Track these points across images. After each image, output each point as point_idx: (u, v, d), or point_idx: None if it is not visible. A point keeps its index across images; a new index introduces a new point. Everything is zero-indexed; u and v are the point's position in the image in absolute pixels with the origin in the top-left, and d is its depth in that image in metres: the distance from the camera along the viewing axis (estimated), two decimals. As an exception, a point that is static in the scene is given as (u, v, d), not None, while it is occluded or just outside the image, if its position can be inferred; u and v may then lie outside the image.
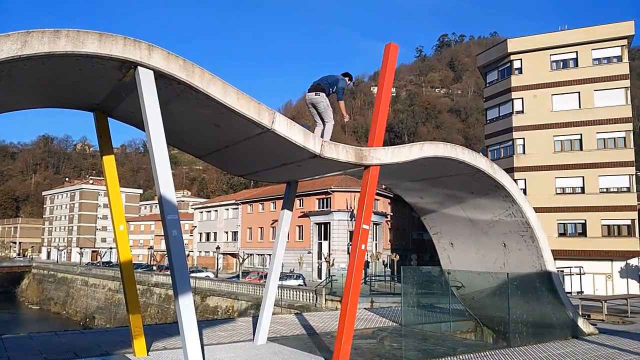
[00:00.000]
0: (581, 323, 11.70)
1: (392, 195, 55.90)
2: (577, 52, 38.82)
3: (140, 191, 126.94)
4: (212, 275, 51.76)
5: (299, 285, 39.42)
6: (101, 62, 5.94)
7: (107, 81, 6.77)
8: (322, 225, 53.17)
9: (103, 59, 5.84)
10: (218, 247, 59.13)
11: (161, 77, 6.30)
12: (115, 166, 8.83)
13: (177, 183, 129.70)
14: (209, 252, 72.12)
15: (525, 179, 38.44)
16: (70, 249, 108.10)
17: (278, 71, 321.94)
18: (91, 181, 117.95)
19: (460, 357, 9.04)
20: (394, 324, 13.26)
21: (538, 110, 39.25)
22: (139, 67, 6.11)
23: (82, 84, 6.97)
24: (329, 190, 51.98)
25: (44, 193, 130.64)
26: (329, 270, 44.56)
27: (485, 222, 11.69)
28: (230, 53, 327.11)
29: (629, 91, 37.78)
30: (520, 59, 40.64)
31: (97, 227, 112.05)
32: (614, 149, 37.10)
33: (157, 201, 6.66)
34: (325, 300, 29.86)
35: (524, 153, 39.49)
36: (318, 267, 52.57)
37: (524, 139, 39.65)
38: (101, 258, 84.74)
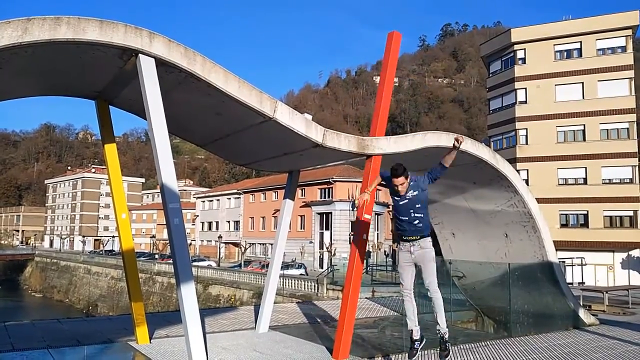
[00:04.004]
0: (582, 314, 11.71)
1: (394, 186, 55.79)
2: (581, 42, 38.53)
3: (143, 180, 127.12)
4: (214, 264, 51.95)
5: (301, 274, 39.55)
6: (102, 49, 5.91)
7: (109, 69, 6.73)
8: (324, 215, 53.22)
9: (104, 46, 5.81)
10: (220, 237, 59.26)
11: (162, 65, 6.27)
12: (117, 155, 8.82)
13: (179, 172, 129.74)
14: (211, 241, 72.34)
15: (527, 170, 38.33)
16: (73, 237, 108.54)
17: (280, 60, 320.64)
18: (93, 170, 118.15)
19: (461, 346, 9.07)
20: (395, 313, 13.29)
21: (541, 100, 39.04)
22: (140, 54, 6.08)
23: (83, 72, 6.94)
24: (330, 180, 51.97)
25: (46, 181, 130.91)
26: (331, 259, 44.69)
27: (487, 213, 11.67)
28: (231, 42, 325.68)
29: (632, 82, 37.53)
30: (524, 49, 40.35)
31: (100, 216, 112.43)
32: (617, 139, 36.94)
33: (159, 190, 6.65)
34: (327, 289, 29.97)
35: (526, 143, 39.35)
36: (320, 256, 52.71)
37: (526, 129, 39.49)
38: (104, 246, 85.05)
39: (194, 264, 46.97)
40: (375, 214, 51.93)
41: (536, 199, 11.43)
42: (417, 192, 5.79)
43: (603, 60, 37.80)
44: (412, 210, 5.78)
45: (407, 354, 6.63)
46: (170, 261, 42.71)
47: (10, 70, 6.24)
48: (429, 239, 5.96)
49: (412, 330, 6.16)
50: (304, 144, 7.88)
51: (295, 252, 51.99)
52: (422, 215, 5.84)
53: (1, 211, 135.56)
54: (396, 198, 5.87)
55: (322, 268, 48.15)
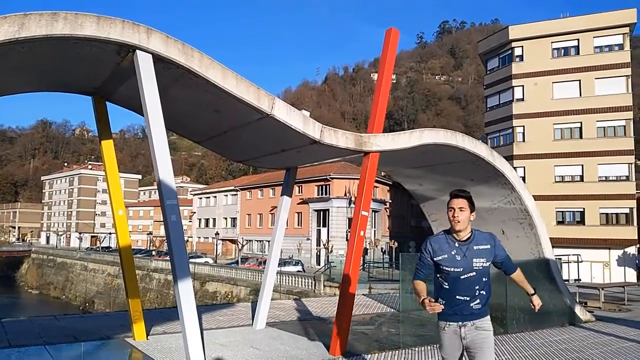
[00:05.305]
0: (578, 310, 11.76)
1: (391, 183, 55.91)
2: (578, 39, 38.60)
3: (139, 177, 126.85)
4: (211, 261, 51.95)
5: (298, 271, 39.59)
6: (99, 45, 5.88)
7: (106, 65, 6.71)
8: (321, 212, 53.23)
9: (101, 42, 5.78)
10: (217, 233, 59.29)
11: (160, 61, 6.25)
12: (114, 151, 8.79)
13: (176, 169, 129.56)
14: (208, 238, 72.31)
15: (524, 167, 38.42)
16: (70, 234, 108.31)
17: (277, 57, 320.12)
18: (90, 166, 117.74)
19: (458, 343, 9.08)
20: (392, 310, 13.33)
21: (538, 98, 39.12)
22: (137, 50, 6.05)
23: (80, 68, 6.91)
24: (328, 176, 51.95)
25: (42, 178, 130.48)
26: (328, 256, 44.70)
27: (484, 210, 11.70)
28: (228, 38, 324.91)
29: (629, 79, 37.63)
30: (522, 46, 40.39)
31: (96, 212, 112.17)
32: (613, 137, 37.05)
33: (156, 187, 6.63)
34: (324, 286, 30.02)
35: (523, 141, 39.43)
36: (317, 253, 52.75)
37: (524, 126, 39.56)
38: (100, 243, 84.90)
39: (191, 260, 46.97)
40: (373, 210, 52.00)
41: (533, 196, 11.46)
42: (488, 246, 4.06)
43: (600, 58, 37.88)
44: (474, 275, 3.98)
45: (403, 350, 6.64)
46: (167, 258, 42.73)
47: (6, 66, 6.22)
48: (489, 316, 4.24)
49: None
50: (302, 140, 7.88)
51: (292, 249, 52.02)
52: (488, 287, 4.16)
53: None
54: (451, 250, 3.92)
55: (319, 265, 48.19)
